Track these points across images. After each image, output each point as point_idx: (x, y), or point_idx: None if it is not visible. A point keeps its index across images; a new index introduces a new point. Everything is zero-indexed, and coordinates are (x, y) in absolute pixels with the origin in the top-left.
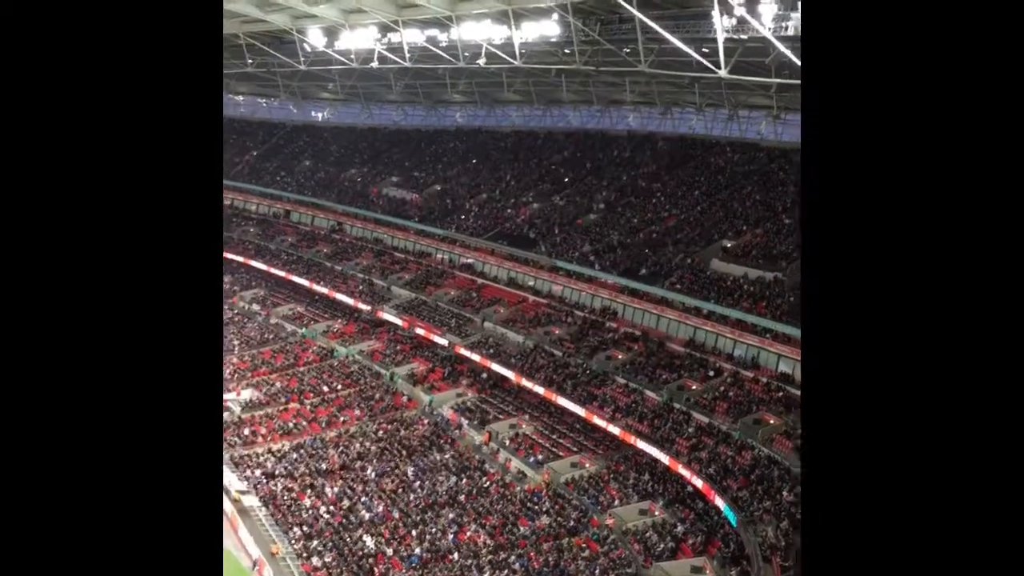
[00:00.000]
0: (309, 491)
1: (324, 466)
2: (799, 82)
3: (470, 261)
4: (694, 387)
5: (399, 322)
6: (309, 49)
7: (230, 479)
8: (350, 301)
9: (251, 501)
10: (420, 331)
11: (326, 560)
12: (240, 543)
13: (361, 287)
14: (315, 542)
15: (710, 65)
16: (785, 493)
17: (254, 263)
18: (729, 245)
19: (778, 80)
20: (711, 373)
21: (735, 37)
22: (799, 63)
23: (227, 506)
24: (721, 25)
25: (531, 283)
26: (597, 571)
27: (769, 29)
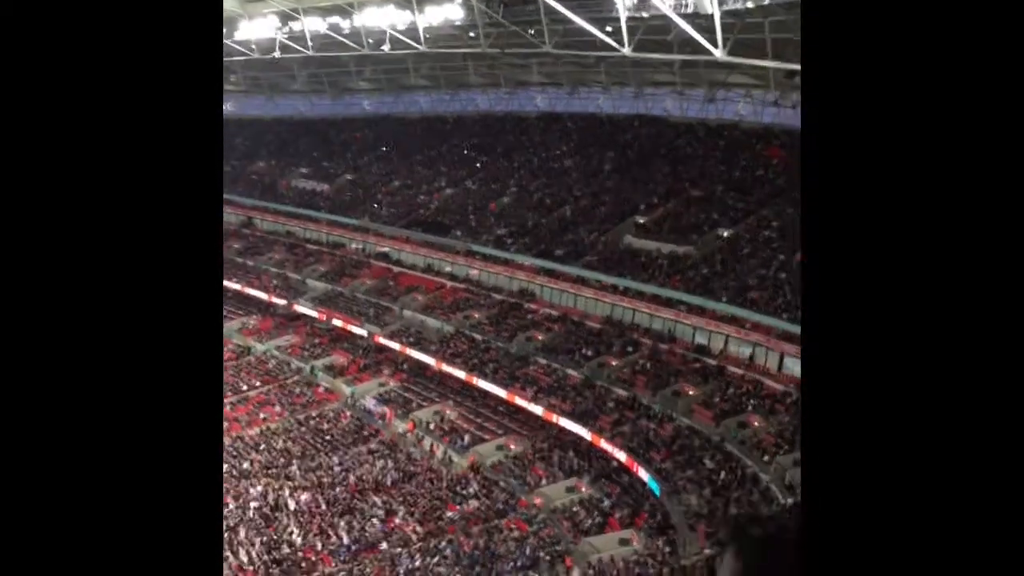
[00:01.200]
0: (232, 491)
1: (246, 465)
2: (701, 58)
3: (385, 250)
4: (614, 363)
5: (316, 315)
6: None
7: None
8: (264, 296)
9: None
10: (338, 323)
11: (252, 556)
12: None
13: (275, 281)
14: (241, 534)
15: (614, 44)
16: (707, 461)
17: None
18: (642, 221)
19: (681, 57)
20: (629, 348)
21: (637, 15)
22: (701, 39)
23: None
24: (623, 4)
25: (448, 269)
26: (527, 551)
27: (670, 6)
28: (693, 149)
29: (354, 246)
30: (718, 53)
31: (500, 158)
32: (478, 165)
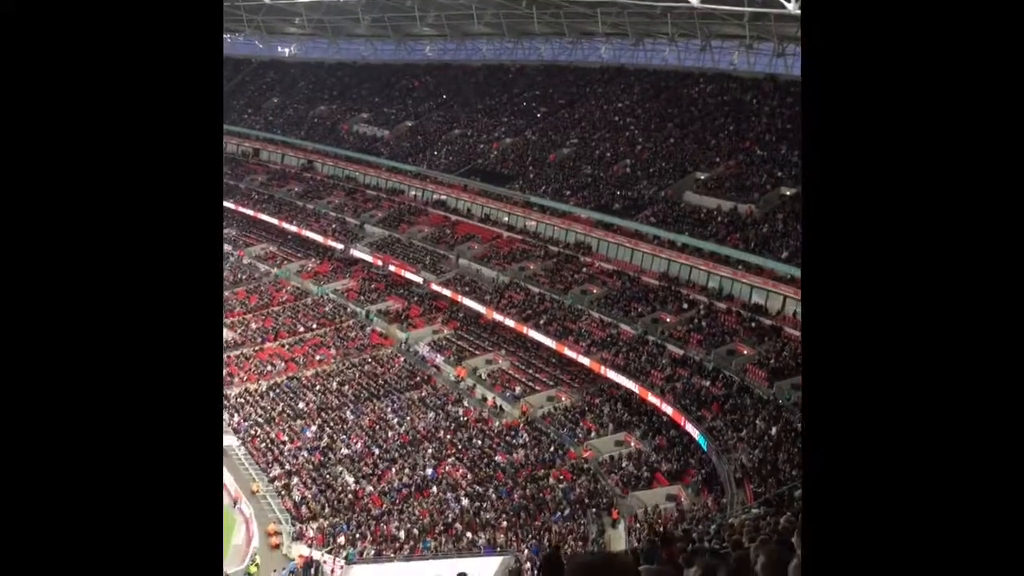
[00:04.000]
0: (287, 430)
1: (301, 405)
2: (772, 11)
3: (443, 198)
4: (668, 320)
5: (373, 260)
6: None
7: None
8: (322, 240)
9: (229, 440)
10: (394, 269)
11: (306, 496)
12: None
13: (334, 226)
14: (295, 480)
15: None
16: (759, 421)
17: (224, 203)
18: (702, 177)
19: (750, 9)
20: (685, 305)
21: None
22: None
23: None
24: None
25: (505, 219)
26: (573, 501)
27: None
28: (759, 105)
29: (412, 193)
30: (791, 6)
31: (561, 109)
32: (538, 116)
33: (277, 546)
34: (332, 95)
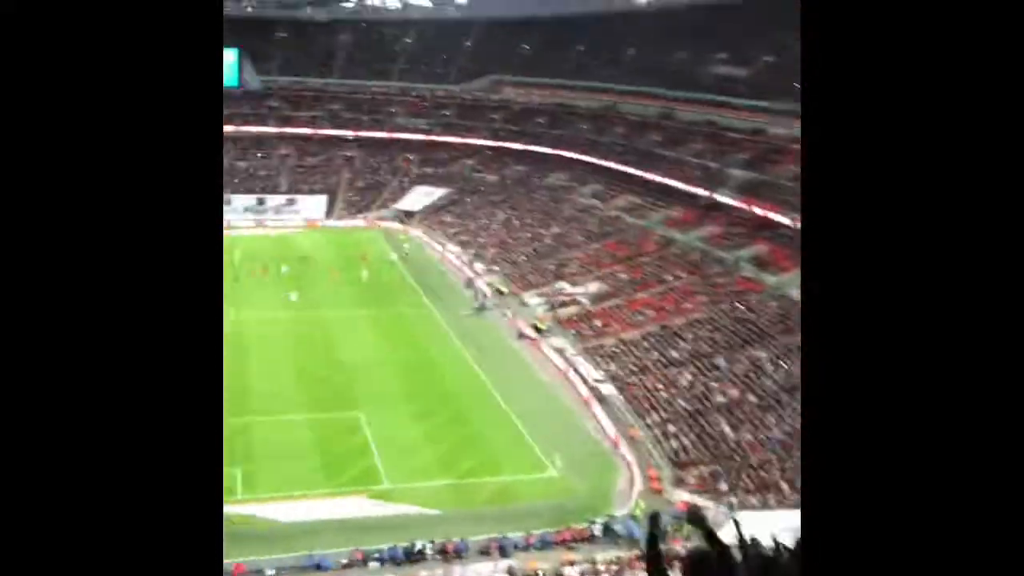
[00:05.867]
0: (662, 377)
1: (675, 354)
2: None
3: None
4: None
5: (739, 204)
6: None
7: (587, 369)
8: (686, 187)
9: (608, 389)
10: (760, 212)
11: (684, 443)
12: (599, 426)
13: (697, 172)
14: (672, 427)
15: None
16: None
17: (587, 158)
18: None
19: None
20: None
21: None
22: None
23: (584, 392)
24: None
25: None
26: None
27: None
28: None
29: (777, 131)
30: None
31: None
32: None
33: (659, 491)
34: (686, 39)
